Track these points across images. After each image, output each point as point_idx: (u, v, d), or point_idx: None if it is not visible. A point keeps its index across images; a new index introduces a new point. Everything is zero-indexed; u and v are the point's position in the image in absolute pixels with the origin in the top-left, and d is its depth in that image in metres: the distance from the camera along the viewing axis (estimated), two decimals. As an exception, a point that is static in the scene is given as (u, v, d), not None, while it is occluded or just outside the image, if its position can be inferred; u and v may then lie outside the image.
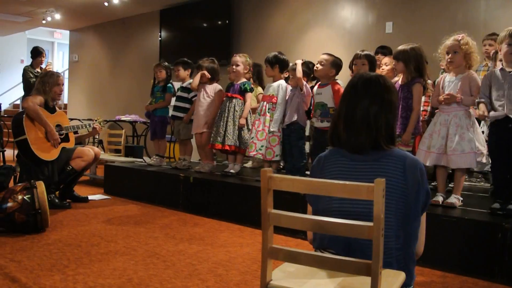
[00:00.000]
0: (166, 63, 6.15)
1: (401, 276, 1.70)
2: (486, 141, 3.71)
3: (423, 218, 1.91)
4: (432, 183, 4.30)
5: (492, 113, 3.38)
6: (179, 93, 5.83)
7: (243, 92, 5.07)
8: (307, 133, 5.06)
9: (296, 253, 1.60)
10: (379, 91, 1.86)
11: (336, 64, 4.45)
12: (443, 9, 6.21)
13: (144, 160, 6.75)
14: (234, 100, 5.06)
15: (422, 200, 1.82)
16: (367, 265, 1.47)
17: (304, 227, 1.60)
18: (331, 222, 1.53)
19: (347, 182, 1.49)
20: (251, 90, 5.15)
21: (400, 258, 1.80)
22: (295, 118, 4.59)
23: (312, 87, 4.89)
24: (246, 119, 5.01)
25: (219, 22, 8.75)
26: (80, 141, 5.76)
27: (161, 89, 6.00)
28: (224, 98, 5.18)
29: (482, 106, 3.41)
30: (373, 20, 6.91)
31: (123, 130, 7.83)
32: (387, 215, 1.73)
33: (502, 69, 3.40)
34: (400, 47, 3.92)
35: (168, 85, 5.98)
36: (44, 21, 10.98)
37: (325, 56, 4.44)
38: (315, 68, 4.58)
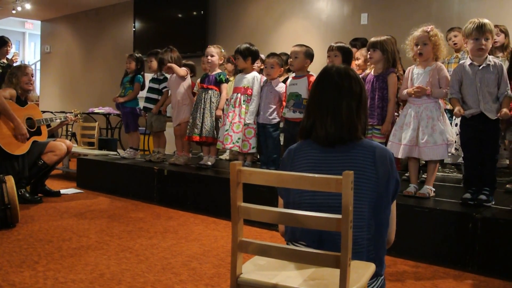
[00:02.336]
0: (137, 54, 6.08)
1: (371, 267, 1.72)
2: (457, 134, 3.77)
3: (393, 206, 1.93)
4: (405, 174, 4.35)
5: (468, 111, 3.41)
6: (150, 84, 5.79)
7: (218, 83, 5.04)
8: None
9: (266, 246, 1.60)
10: (348, 83, 1.87)
11: (309, 54, 4.46)
12: (417, 1, 6.27)
13: (118, 153, 6.68)
14: (210, 91, 5.04)
15: (392, 189, 1.84)
16: (336, 257, 1.48)
17: (274, 220, 1.60)
18: (301, 215, 1.54)
19: (316, 175, 1.49)
20: (227, 81, 5.13)
21: (371, 248, 1.81)
22: (270, 112, 4.60)
23: (287, 79, 4.89)
24: (223, 110, 4.99)
25: (194, 13, 8.68)
26: (52, 133, 5.67)
27: (129, 79, 5.94)
28: (199, 90, 5.15)
29: (455, 103, 3.44)
30: (348, 12, 6.94)
31: (97, 123, 7.72)
32: (359, 205, 1.75)
33: (471, 64, 3.44)
34: (376, 38, 3.95)
35: (137, 76, 5.91)
36: (14, 11, 10.73)
37: (297, 48, 4.43)
38: (289, 62, 4.57)
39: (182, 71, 5.26)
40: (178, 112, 5.33)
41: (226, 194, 4.64)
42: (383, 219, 1.85)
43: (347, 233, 1.45)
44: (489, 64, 3.37)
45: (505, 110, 3.27)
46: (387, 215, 1.87)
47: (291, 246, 1.69)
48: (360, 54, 4.75)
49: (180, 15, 8.97)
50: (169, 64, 5.25)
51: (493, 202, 3.43)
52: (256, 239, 3.67)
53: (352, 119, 1.82)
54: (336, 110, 1.82)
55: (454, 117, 4.49)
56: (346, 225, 1.45)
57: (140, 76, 5.92)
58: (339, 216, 1.45)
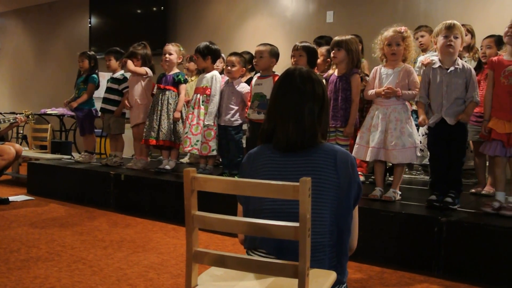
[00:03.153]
0: (91, 52, 5.98)
1: (332, 275, 1.73)
2: (423, 134, 3.85)
3: (355, 212, 1.95)
4: (372, 177, 4.42)
5: (431, 120, 3.50)
6: (109, 85, 5.70)
7: (176, 83, 5.01)
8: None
9: (222, 256, 1.59)
10: (311, 87, 1.87)
11: (274, 53, 4.47)
12: (384, -1, 6.39)
13: (72, 156, 6.56)
14: (167, 92, 5.00)
15: (354, 194, 1.86)
16: (294, 267, 1.49)
17: (230, 229, 1.59)
18: (257, 223, 1.54)
19: (273, 182, 1.50)
20: (185, 81, 5.10)
21: (333, 255, 1.83)
22: (232, 113, 4.60)
23: (250, 79, 4.90)
24: (181, 112, 4.96)
25: (154, 8, 8.61)
26: (1, 136, 5.52)
27: (83, 79, 5.84)
28: (156, 90, 5.10)
29: (421, 109, 3.53)
30: (313, 9, 7.00)
31: (50, 125, 7.57)
32: (321, 211, 1.76)
33: (440, 67, 3.52)
34: (340, 37, 3.98)
35: (91, 75, 5.82)
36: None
37: (262, 47, 4.44)
38: (254, 63, 4.57)
39: (140, 69, 5.20)
40: (137, 113, 5.26)
41: (185, 200, 4.57)
42: (345, 225, 1.87)
43: (305, 242, 1.45)
44: (457, 68, 3.45)
45: (463, 115, 3.36)
46: (349, 221, 1.88)
47: (248, 256, 1.69)
48: (320, 53, 4.74)
49: (139, 11, 8.88)
50: (125, 60, 5.18)
51: (459, 205, 3.52)
52: (217, 246, 3.69)
53: (313, 124, 1.83)
54: (298, 116, 1.83)
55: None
56: (304, 233, 1.45)
57: (94, 76, 5.82)
58: (297, 224, 1.46)
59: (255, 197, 1.83)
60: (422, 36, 4.95)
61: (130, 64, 5.16)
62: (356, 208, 1.94)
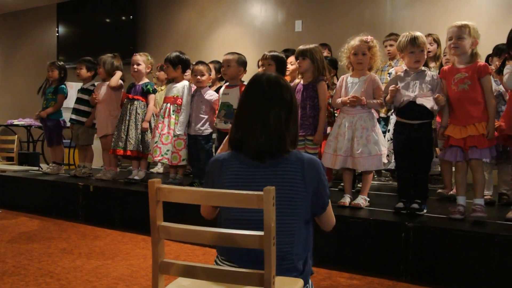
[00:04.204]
0: (61, 63, 5.92)
1: (298, 283, 1.75)
2: (389, 139, 3.92)
3: (329, 203, 1.95)
4: (340, 184, 4.47)
5: (400, 96, 3.49)
6: (79, 95, 5.64)
7: (145, 93, 5.00)
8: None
9: (189, 267, 1.60)
10: (278, 92, 1.87)
11: (242, 62, 4.50)
12: (351, 8, 6.50)
13: (40, 168, 6.45)
14: (135, 102, 4.98)
15: (323, 200, 1.88)
16: (260, 275, 1.50)
17: (196, 240, 1.61)
18: (223, 233, 1.55)
19: (237, 192, 1.51)
20: (154, 91, 5.09)
21: (301, 263, 1.85)
22: (202, 122, 4.62)
23: (219, 88, 4.91)
24: (150, 122, 4.95)
25: (123, 17, 8.57)
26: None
27: (53, 90, 5.77)
28: (125, 100, 5.08)
29: (391, 87, 3.54)
30: (282, 18, 7.08)
31: (16, 136, 7.42)
32: (289, 221, 1.78)
33: (406, 71, 3.60)
34: (304, 46, 4.03)
35: (60, 86, 5.76)
36: None
37: (230, 57, 4.46)
38: (222, 71, 4.59)
39: (113, 81, 5.20)
40: (105, 123, 5.23)
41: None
42: (311, 233, 1.90)
43: (270, 250, 1.47)
44: (424, 71, 3.54)
45: (438, 94, 3.40)
46: (311, 231, 1.92)
47: (214, 266, 1.70)
48: (293, 60, 4.78)
49: (107, 20, 8.83)
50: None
51: (426, 211, 3.58)
52: (188, 256, 3.68)
53: (281, 130, 1.82)
54: (265, 121, 1.82)
55: (388, 125, 4.68)
56: (268, 242, 1.47)
57: (63, 86, 5.76)
58: (261, 233, 1.48)
59: (225, 207, 1.83)
60: (390, 45, 5.04)
61: (113, 80, 5.17)
62: (329, 201, 1.94)
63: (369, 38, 3.76)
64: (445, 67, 3.56)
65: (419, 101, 3.43)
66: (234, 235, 1.53)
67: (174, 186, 1.62)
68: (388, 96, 3.55)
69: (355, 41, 3.79)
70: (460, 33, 3.33)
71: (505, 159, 3.86)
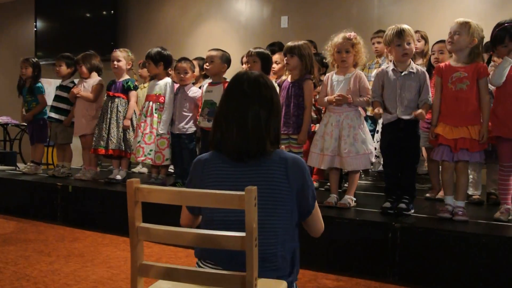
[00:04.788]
0: (35, 60, 5.86)
1: (282, 285, 1.75)
2: (377, 141, 3.94)
3: (315, 207, 1.96)
4: (327, 184, 4.48)
5: (385, 116, 3.59)
6: (57, 92, 5.60)
7: (126, 90, 4.98)
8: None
9: (169, 269, 1.59)
10: (258, 91, 1.87)
11: (226, 59, 4.50)
12: (338, 4, 6.52)
13: (17, 167, 6.40)
14: (116, 100, 4.97)
15: (308, 201, 1.88)
16: (241, 278, 1.50)
17: (176, 241, 1.59)
18: (204, 234, 1.55)
19: (217, 191, 1.51)
20: (135, 88, 5.06)
21: (286, 266, 1.85)
22: (186, 121, 4.60)
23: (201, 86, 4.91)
24: (131, 120, 4.92)
25: (104, 12, 8.51)
26: None
27: (28, 90, 5.72)
28: (105, 98, 5.05)
29: (376, 104, 3.61)
30: (268, 14, 7.08)
31: (-8, 134, 7.37)
32: (272, 221, 1.78)
33: (394, 70, 3.62)
34: (293, 42, 4.03)
35: (36, 85, 5.71)
36: None
37: (213, 53, 4.46)
38: (205, 67, 4.58)
39: (92, 94, 5.19)
40: (84, 122, 5.21)
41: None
42: (296, 235, 1.90)
43: (252, 252, 1.47)
44: (411, 72, 3.55)
45: (420, 110, 3.45)
46: (297, 231, 1.91)
47: (195, 268, 1.69)
48: (279, 58, 4.79)
49: (87, 15, 8.76)
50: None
51: (413, 210, 3.61)
52: (170, 258, 3.67)
53: (260, 130, 1.82)
54: (243, 121, 1.82)
55: (376, 124, 4.70)
56: (250, 243, 1.47)
57: (39, 85, 5.71)
58: (243, 234, 1.48)
59: (207, 208, 1.83)
60: (378, 43, 5.05)
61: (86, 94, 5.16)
62: (315, 205, 1.95)
63: (352, 34, 3.77)
64: (442, 64, 3.57)
65: (403, 117, 3.52)
66: (215, 237, 1.53)
67: (153, 186, 1.61)
68: (373, 111, 3.61)
69: (338, 39, 3.80)
70: (459, 29, 3.38)
71: (494, 158, 3.90)
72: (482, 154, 3.46)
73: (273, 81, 4.47)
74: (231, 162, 1.84)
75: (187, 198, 1.57)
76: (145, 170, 6.05)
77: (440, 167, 3.88)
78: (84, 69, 5.32)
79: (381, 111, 3.56)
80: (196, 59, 5.47)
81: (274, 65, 4.72)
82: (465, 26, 3.37)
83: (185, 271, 1.58)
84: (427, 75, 3.63)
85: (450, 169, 3.49)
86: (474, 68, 3.38)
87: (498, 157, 3.63)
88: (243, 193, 1.45)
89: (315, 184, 4.73)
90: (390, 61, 3.76)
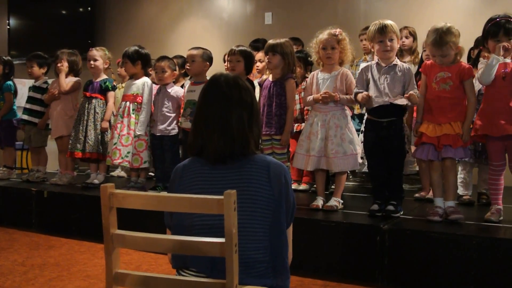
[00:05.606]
0: (7, 57, 5.81)
1: (264, 292, 1.75)
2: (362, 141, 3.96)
3: (289, 228, 1.97)
4: (314, 186, 4.49)
5: (375, 100, 3.56)
6: (31, 94, 5.55)
7: (104, 91, 4.95)
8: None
9: (145, 278, 1.59)
10: (238, 93, 1.89)
11: (208, 57, 4.49)
12: (324, 0, 6.54)
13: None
14: (94, 101, 4.93)
15: (289, 210, 1.89)
16: (221, 285, 1.50)
17: (154, 248, 1.60)
18: (183, 241, 1.54)
19: (195, 196, 1.51)
20: (113, 88, 5.04)
21: (270, 272, 1.84)
22: (169, 122, 4.59)
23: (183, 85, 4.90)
24: (110, 121, 4.90)
25: (80, 9, 8.46)
26: None
27: None
28: (82, 99, 5.02)
29: (362, 94, 3.59)
30: (251, 10, 7.09)
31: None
32: (254, 226, 1.77)
33: (377, 64, 3.64)
34: (274, 40, 4.03)
35: (6, 83, 5.65)
36: None
37: (194, 51, 4.44)
38: (186, 67, 4.56)
39: (67, 86, 5.13)
40: (60, 124, 5.17)
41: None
42: (283, 240, 1.88)
43: (232, 258, 1.47)
44: (396, 64, 3.59)
45: (412, 91, 3.45)
46: (286, 236, 1.91)
47: (173, 276, 1.68)
48: (264, 56, 4.78)
49: (63, 12, 8.69)
50: (59, 66, 5.10)
51: (402, 212, 3.63)
52: (150, 266, 3.65)
53: (244, 132, 1.84)
54: (226, 124, 1.83)
55: (361, 124, 4.71)
56: (230, 249, 1.47)
57: (9, 83, 5.65)
58: (223, 240, 1.47)
59: (185, 212, 1.82)
60: (366, 40, 5.07)
61: (61, 78, 5.08)
62: (291, 224, 1.96)
63: (338, 31, 3.78)
64: (428, 62, 3.61)
65: (394, 102, 3.50)
66: (194, 243, 1.53)
67: (128, 191, 1.60)
68: (360, 98, 3.59)
69: (323, 35, 3.81)
70: (447, 51, 3.41)
71: (484, 158, 3.93)
72: (467, 151, 3.49)
73: (255, 81, 4.49)
74: (211, 165, 1.84)
75: (163, 203, 1.57)
76: (124, 174, 6.02)
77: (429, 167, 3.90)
78: (65, 65, 5.25)
79: (370, 94, 3.54)
80: (175, 57, 5.45)
81: (258, 63, 4.72)
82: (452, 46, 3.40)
83: (163, 280, 1.58)
84: (411, 71, 3.66)
85: (438, 168, 3.51)
86: (458, 69, 3.43)
87: (487, 157, 3.66)
88: (222, 197, 1.45)
89: (306, 186, 4.74)
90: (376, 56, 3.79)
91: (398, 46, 3.72)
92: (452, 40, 3.38)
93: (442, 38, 3.36)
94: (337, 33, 3.77)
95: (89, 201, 4.58)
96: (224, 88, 1.88)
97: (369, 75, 3.65)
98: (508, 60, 3.42)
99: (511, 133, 3.36)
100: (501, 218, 3.45)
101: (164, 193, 1.62)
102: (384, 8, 6.20)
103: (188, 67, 4.51)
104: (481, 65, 3.49)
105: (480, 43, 3.88)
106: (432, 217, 3.44)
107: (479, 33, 3.66)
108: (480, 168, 4.27)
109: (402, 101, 3.50)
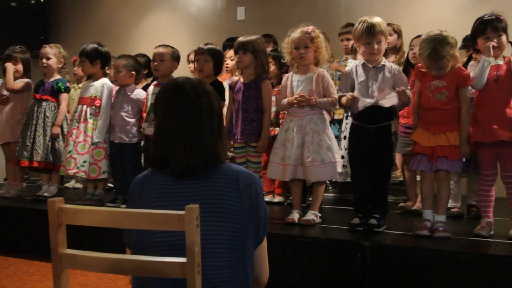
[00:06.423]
0: None
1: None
2: (346, 148, 3.99)
3: (264, 242, 1.97)
4: (289, 198, 4.50)
5: (361, 101, 3.55)
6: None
7: (56, 92, 4.92)
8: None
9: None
10: (207, 100, 1.88)
11: (177, 56, 4.49)
12: (301, -7, 6.60)
13: None
14: (44, 103, 4.90)
15: (261, 223, 1.88)
16: (183, 309, 1.49)
17: (107, 269, 1.58)
18: (140, 261, 1.53)
19: (154, 211, 1.50)
20: (67, 89, 5.00)
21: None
22: (128, 128, 4.57)
23: (147, 86, 4.87)
24: (62, 127, 4.86)
25: (32, 1, 8.37)
26: None
27: None
28: (32, 101, 4.97)
29: (347, 96, 3.61)
30: (223, 5, 7.11)
31: None
32: (219, 243, 1.76)
33: (364, 64, 3.67)
34: (245, 37, 4.04)
35: None
36: None
37: (163, 50, 4.42)
38: (153, 67, 4.52)
39: (17, 84, 5.07)
40: (7, 129, 5.12)
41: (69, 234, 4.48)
42: (251, 257, 1.88)
43: (194, 280, 1.47)
44: (384, 65, 3.63)
45: (403, 87, 3.50)
46: (253, 253, 1.90)
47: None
48: (232, 54, 4.79)
49: (13, 4, 8.58)
50: (6, 65, 5.04)
51: (385, 227, 3.66)
52: (109, 287, 3.61)
53: (215, 143, 1.85)
54: (196, 136, 1.83)
55: (341, 131, 4.74)
56: (192, 270, 1.47)
57: None
58: (184, 260, 1.47)
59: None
60: (347, 40, 5.10)
61: (9, 76, 5.01)
62: (265, 238, 1.96)
63: (311, 28, 3.80)
64: (420, 65, 3.63)
65: (382, 103, 3.52)
66: (152, 263, 1.52)
67: (79, 207, 1.59)
68: (344, 101, 3.61)
69: (295, 33, 3.83)
70: (447, 63, 3.45)
71: (473, 168, 3.97)
72: (462, 162, 3.54)
73: (225, 82, 4.49)
74: (174, 177, 1.83)
75: (119, 220, 1.56)
76: (80, 185, 5.95)
77: (419, 177, 3.94)
78: (21, 67, 5.19)
79: (355, 95, 3.56)
80: (138, 55, 5.43)
81: (227, 61, 4.72)
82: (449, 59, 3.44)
83: (118, 304, 1.57)
84: (402, 73, 3.69)
85: (430, 179, 3.55)
86: (454, 75, 3.47)
87: (478, 166, 3.70)
88: (183, 212, 1.45)
89: (281, 198, 4.75)
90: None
91: (386, 45, 3.75)
92: (449, 52, 3.38)
93: (438, 52, 3.36)
94: (310, 30, 3.79)
95: (39, 216, 4.52)
96: (191, 96, 1.86)
97: (354, 77, 3.67)
98: (500, 62, 3.48)
99: (505, 139, 3.40)
100: (492, 232, 3.49)
101: (122, 208, 1.61)
102: (366, 2, 6.25)
103: (155, 67, 4.48)
104: (470, 68, 3.54)
105: (470, 45, 3.93)
106: (420, 231, 3.46)
107: (468, 29, 3.71)
108: (469, 178, 4.31)
109: (391, 101, 3.52)
